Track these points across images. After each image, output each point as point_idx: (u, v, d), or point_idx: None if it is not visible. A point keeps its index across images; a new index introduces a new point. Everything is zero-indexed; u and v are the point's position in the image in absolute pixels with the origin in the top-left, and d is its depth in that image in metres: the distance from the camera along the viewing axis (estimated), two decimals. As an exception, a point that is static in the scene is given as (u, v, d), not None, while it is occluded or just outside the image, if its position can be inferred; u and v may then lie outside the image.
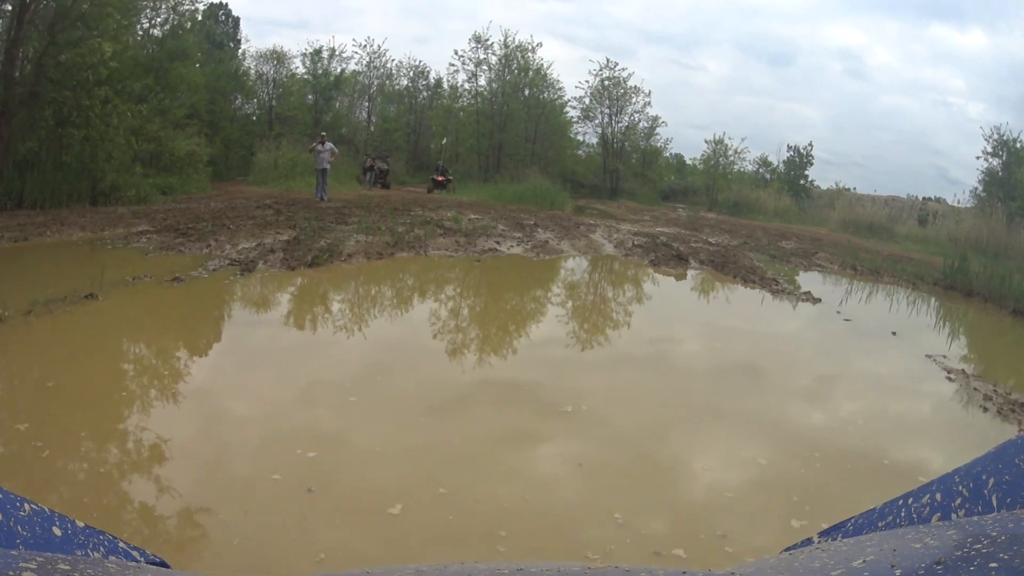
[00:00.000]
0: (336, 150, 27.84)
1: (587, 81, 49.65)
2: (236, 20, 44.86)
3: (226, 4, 44.52)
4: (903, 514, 1.20)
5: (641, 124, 50.42)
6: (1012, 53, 78.66)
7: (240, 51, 43.50)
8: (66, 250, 14.05)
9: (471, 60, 46.76)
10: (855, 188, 50.36)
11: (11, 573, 0.74)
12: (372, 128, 48.27)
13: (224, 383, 7.87)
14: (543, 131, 47.77)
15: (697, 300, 15.40)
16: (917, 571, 0.76)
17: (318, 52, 44.49)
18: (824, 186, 52.24)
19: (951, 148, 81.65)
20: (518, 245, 18.54)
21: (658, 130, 50.65)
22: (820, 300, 15.64)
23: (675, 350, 11.22)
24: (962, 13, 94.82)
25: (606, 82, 48.92)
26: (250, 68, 42.72)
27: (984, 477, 1.10)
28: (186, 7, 33.02)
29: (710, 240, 25.01)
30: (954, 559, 0.76)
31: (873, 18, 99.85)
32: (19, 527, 1.02)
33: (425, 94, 49.99)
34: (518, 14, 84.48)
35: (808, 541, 1.31)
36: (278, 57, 44.06)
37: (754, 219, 41.86)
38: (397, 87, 49.42)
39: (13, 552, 0.87)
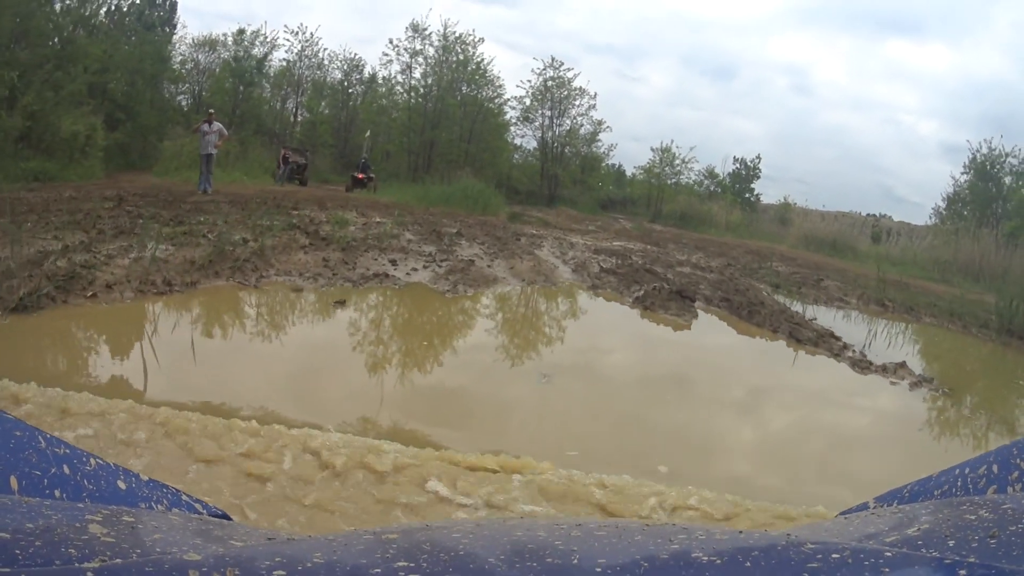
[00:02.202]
0: (226, 132, 20.82)
1: (529, 81, 42.33)
2: (173, 4, 37.23)
3: None
4: (959, 484, 1.08)
5: (584, 128, 43.45)
6: (974, 71, 75.23)
7: (175, 36, 36.19)
8: None
9: (407, 51, 38.97)
10: (800, 203, 44.41)
11: (78, 525, 0.72)
12: (298, 121, 39.81)
13: None
14: (479, 131, 40.44)
15: (762, 402, 7.01)
16: (970, 543, 0.70)
17: (241, 33, 36.12)
18: (766, 201, 46.51)
19: (898, 166, 75.32)
20: (426, 267, 10.34)
21: (601, 135, 43.53)
22: (930, 381, 8.17)
23: None
24: (924, 28, 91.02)
25: (549, 83, 41.73)
26: (183, 55, 36.12)
27: None
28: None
29: (692, 261, 16.83)
30: (1007, 533, 0.70)
31: (826, 32, 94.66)
32: (85, 481, 0.97)
33: (359, 88, 41.73)
34: (462, 18, 76.88)
35: (864, 506, 1.22)
36: (211, 44, 36.74)
37: (705, 232, 35.39)
38: (330, 80, 40.94)
39: (80, 505, 0.87)
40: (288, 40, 40.15)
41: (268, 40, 37.38)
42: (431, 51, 39.68)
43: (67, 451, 0.99)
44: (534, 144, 44.30)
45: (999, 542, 0.69)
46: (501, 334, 7.81)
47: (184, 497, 1.14)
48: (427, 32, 39.09)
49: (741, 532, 0.81)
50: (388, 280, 9.20)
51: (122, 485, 1.03)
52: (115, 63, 27.73)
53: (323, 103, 40.80)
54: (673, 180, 45.85)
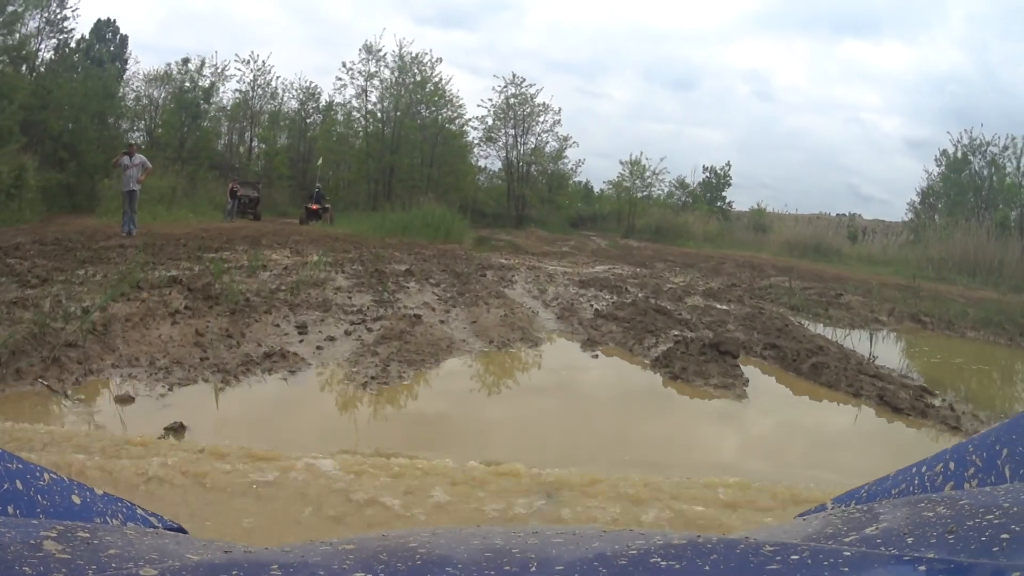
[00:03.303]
0: (149, 165, 16.56)
1: (491, 100, 39.23)
2: (124, 39, 34.87)
3: (114, 22, 34.75)
4: (916, 482, 1.05)
5: (549, 145, 40.65)
6: (932, 65, 76.20)
7: (125, 71, 33.25)
8: None
9: (361, 73, 35.57)
10: (770, 208, 42.31)
11: (33, 542, 0.69)
12: (253, 153, 36.20)
13: None
14: (441, 154, 37.34)
15: None
16: (929, 540, 0.69)
17: (186, 62, 32.45)
18: (737, 208, 44.52)
19: (863, 164, 75.00)
20: (349, 334, 6.63)
21: (567, 152, 40.68)
22: None
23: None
24: (879, 27, 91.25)
25: (511, 100, 38.58)
26: (136, 90, 32.98)
27: (998, 448, 0.97)
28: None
29: (694, 286, 13.21)
30: (965, 529, 0.69)
31: (783, 37, 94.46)
32: (39, 496, 0.93)
33: (316, 117, 38.15)
34: (422, 43, 73.40)
35: (822, 507, 1.19)
36: (164, 79, 33.31)
37: (683, 246, 32.56)
38: (286, 110, 37.34)
39: (34, 521, 0.84)
40: (240, 70, 36.23)
41: (218, 70, 33.87)
42: (386, 73, 36.29)
43: (20, 466, 0.95)
44: (499, 165, 41.41)
45: (957, 537, 0.67)
46: (449, 472, 4.07)
47: (139, 511, 1.08)
48: (381, 53, 35.68)
49: (699, 536, 0.75)
50: (284, 363, 5.59)
51: (77, 500, 0.98)
52: (55, 99, 24.84)
53: (280, 134, 37.49)
54: (644, 193, 43.48)
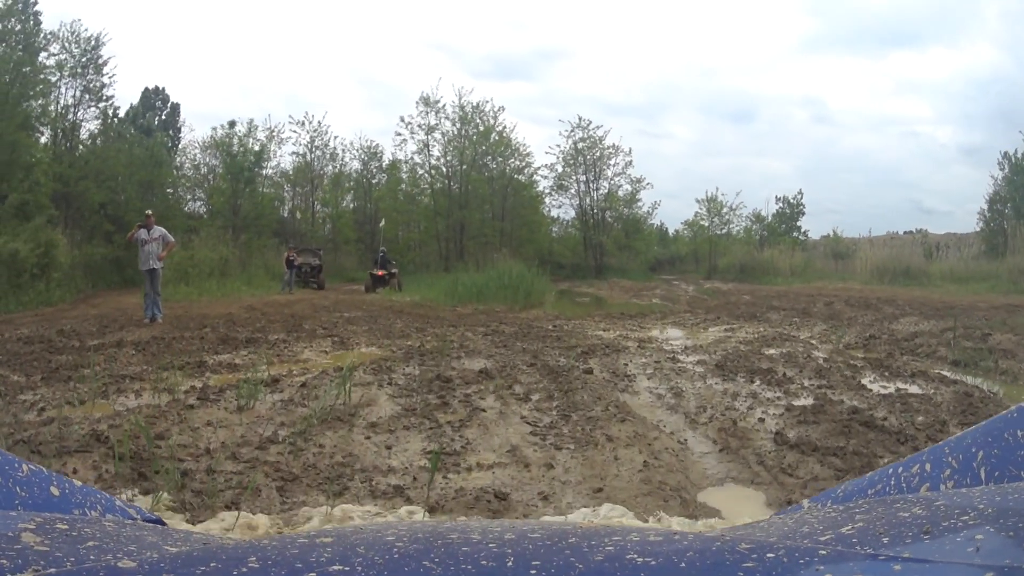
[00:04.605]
0: (171, 238, 13.80)
1: (558, 145, 36.82)
2: (175, 107, 35.01)
3: (163, 90, 35.10)
4: (892, 483, 1.06)
5: (623, 189, 38.60)
6: (974, 69, 75.83)
7: (180, 140, 32.93)
8: None
9: (421, 127, 33.07)
10: (833, 232, 40.88)
11: (11, 534, 0.69)
12: (317, 217, 33.88)
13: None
14: (512, 206, 34.87)
15: None
16: (905, 540, 0.69)
17: (232, 125, 30.45)
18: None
19: (922, 178, 75.87)
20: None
21: (640, 194, 37.82)
22: None
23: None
24: (920, 36, 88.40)
25: (579, 144, 35.94)
26: (194, 158, 31.69)
27: (973, 450, 0.99)
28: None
29: (851, 352, 9.74)
30: (940, 529, 0.69)
31: (833, 57, 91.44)
32: (17, 488, 0.92)
33: (380, 177, 35.87)
34: (481, 96, 71.13)
35: (798, 507, 1.22)
36: (215, 144, 31.53)
37: (771, 283, 31.06)
38: (348, 170, 35.36)
39: (12, 513, 0.82)
40: (295, 131, 34.12)
41: (272, 133, 31.80)
42: (447, 125, 34.01)
43: None
44: (572, 213, 39.65)
45: (932, 538, 0.67)
46: None
47: (118, 503, 1.07)
48: (440, 104, 33.32)
49: (675, 533, 0.78)
50: None
51: (55, 491, 0.97)
52: (95, 170, 23.29)
53: (344, 196, 35.32)
54: (723, 231, 41.79)
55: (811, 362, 8.78)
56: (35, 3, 21.30)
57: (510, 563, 0.65)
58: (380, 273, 23.61)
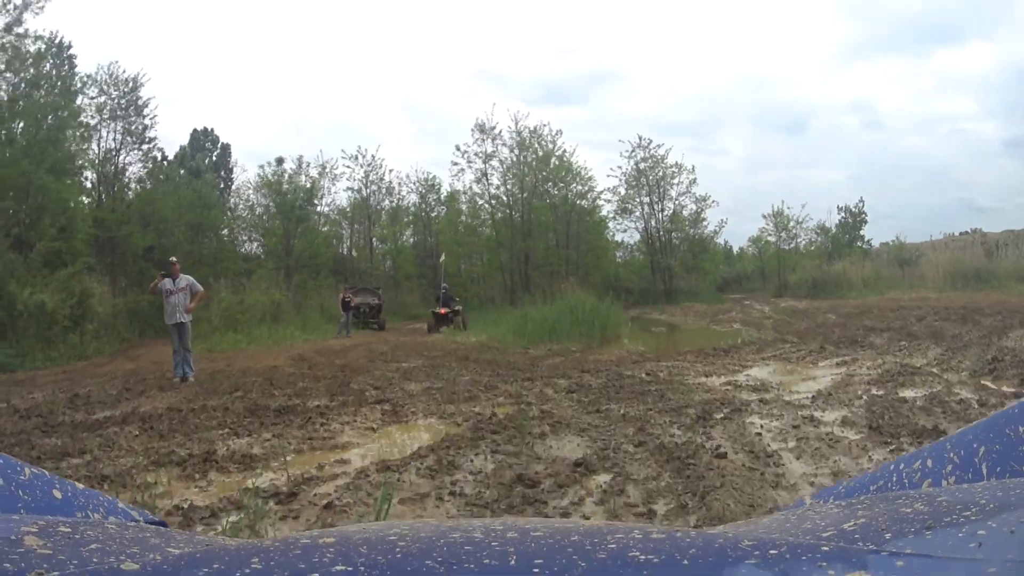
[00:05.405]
0: (199, 287, 11.77)
1: (619, 167, 35.07)
2: (226, 147, 33.66)
3: (211, 131, 33.71)
4: (894, 479, 1.03)
5: (688, 208, 36.83)
6: (1016, 59, 73.47)
7: (233, 181, 31.76)
8: None
9: (478, 155, 31.41)
10: (887, 239, 40.44)
11: (14, 537, 0.66)
12: (375, 253, 32.42)
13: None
14: (576, 233, 32.58)
15: None
16: (907, 536, 0.67)
17: (280, 162, 29.18)
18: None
19: (973, 176, 72.86)
20: None
21: (705, 212, 37.18)
22: None
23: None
24: (959, 29, 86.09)
25: (641, 164, 34.08)
26: (248, 199, 30.43)
27: (975, 445, 0.97)
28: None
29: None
30: (943, 524, 0.67)
31: (877, 59, 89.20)
32: (20, 491, 0.91)
33: (439, 210, 34.27)
34: (538, 121, 69.80)
35: (800, 503, 1.17)
36: (265, 183, 30.23)
37: (845, 297, 29.71)
38: (405, 203, 34.03)
39: (15, 517, 0.82)
40: (349, 167, 32.70)
41: (325, 169, 30.49)
42: (505, 152, 32.28)
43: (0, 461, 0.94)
44: (636, 236, 38.11)
45: (935, 533, 0.65)
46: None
47: (121, 505, 1.05)
48: (496, 131, 31.58)
49: (678, 530, 0.77)
50: None
51: (58, 494, 0.96)
52: (138, 214, 22.41)
53: (403, 231, 33.85)
54: (790, 245, 39.93)
55: (966, 407, 6.90)
56: (69, 47, 20.77)
57: (512, 562, 0.63)
58: (443, 311, 21.77)
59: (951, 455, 0.97)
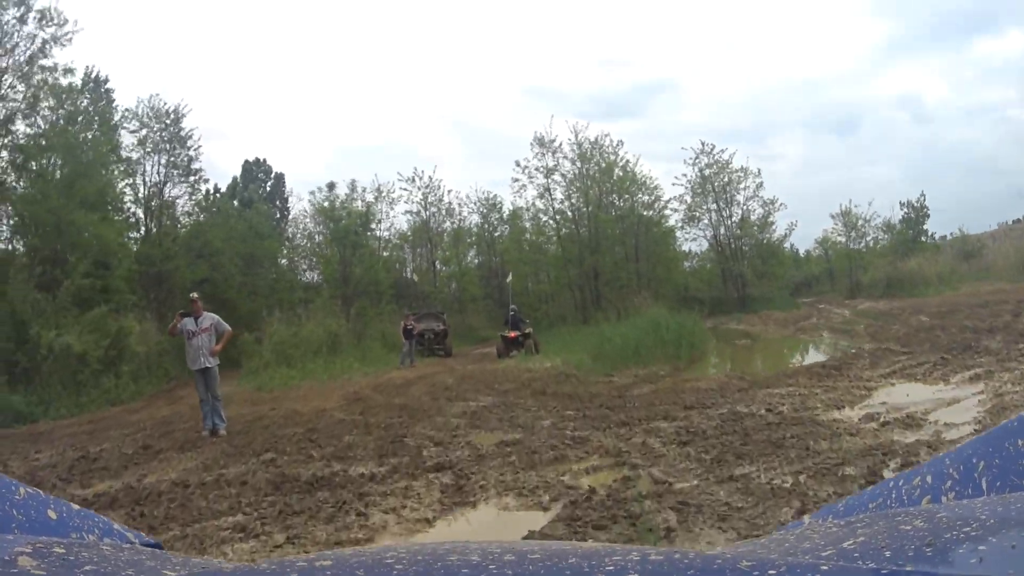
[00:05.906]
0: (226, 326, 10.03)
1: (684, 175, 33.50)
2: (280, 176, 33.01)
3: (264, 161, 33.11)
4: (894, 496, 1.03)
5: (755, 213, 35.18)
6: None
7: (289, 210, 31.12)
8: None
9: (539, 170, 30.05)
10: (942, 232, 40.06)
11: (7, 558, 0.66)
12: (438, 276, 31.66)
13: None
14: (645, 244, 31.09)
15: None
16: (907, 553, 0.66)
17: (331, 187, 28.30)
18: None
19: (1019, 162, 68.13)
20: None
21: (773, 215, 35.38)
22: None
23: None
24: (995, 18, 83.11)
25: (706, 170, 32.92)
26: (307, 228, 29.77)
27: (975, 460, 0.96)
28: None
29: None
30: (943, 541, 0.67)
31: (920, 53, 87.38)
32: (14, 511, 0.90)
33: (503, 229, 33.05)
34: (598, 132, 68.16)
35: (800, 522, 1.20)
36: (320, 211, 29.26)
37: (922, 295, 28.35)
38: (467, 224, 33.66)
39: (9, 536, 0.80)
40: (406, 190, 31.59)
41: (381, 193, 29.51)
42: (567, 165, 31.03)
43: None
44: (704, 245, 36.37)
45: (935, 550, 0.65)
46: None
47: (116, 527, 1.03)
48: (556, 144, 30.25)
49: (676, 552, 0.75)
50: None
51: (53, 515, 0.95)
52: (181, 246, 21.85)
53: (466, 252, 32.71)
54: (860, 244, 38.55)
55: None
56: (106, 81, 20.26)
57: None
58: (513, 335, 20.14)
59: (950, 471, 0.95)
